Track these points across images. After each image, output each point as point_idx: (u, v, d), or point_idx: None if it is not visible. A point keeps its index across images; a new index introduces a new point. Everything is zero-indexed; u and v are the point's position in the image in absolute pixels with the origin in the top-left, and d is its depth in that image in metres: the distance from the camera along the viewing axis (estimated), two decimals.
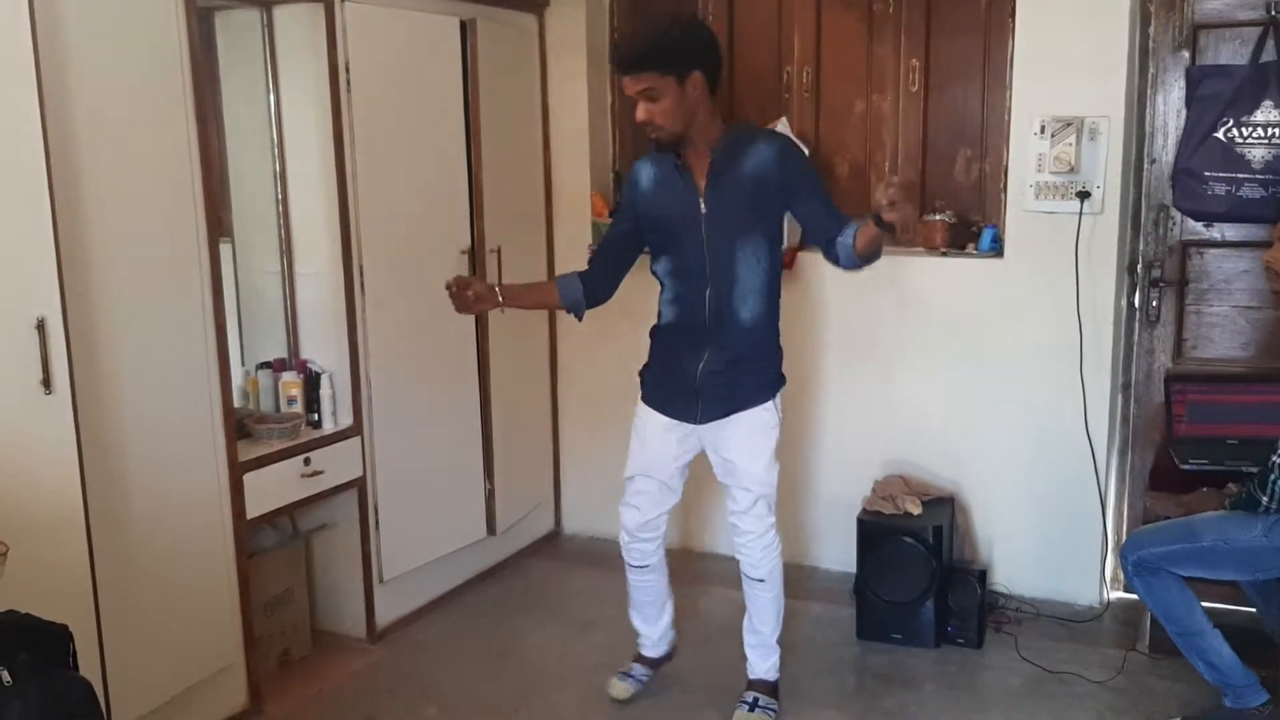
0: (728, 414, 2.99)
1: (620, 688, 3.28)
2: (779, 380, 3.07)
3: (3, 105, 2.31)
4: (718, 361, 2.96)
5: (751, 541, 3.07)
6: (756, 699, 3.15)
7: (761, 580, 3.11)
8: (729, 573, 3.97)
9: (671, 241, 2.98)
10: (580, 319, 3.14)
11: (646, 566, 3.23)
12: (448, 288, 2.96)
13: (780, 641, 3.20)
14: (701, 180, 2.91)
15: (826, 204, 2.92)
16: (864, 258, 2.81)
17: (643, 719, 3.22)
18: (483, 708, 3.27)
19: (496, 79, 3.86)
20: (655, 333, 3.11)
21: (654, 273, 3.07)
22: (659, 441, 3.08)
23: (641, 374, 3.15)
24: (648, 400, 3.11)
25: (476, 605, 3.98)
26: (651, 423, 3.09)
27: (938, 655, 3.55)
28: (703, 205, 2.91)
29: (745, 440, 3.00)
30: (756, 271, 2.92)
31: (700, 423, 3.02)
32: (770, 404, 3.02)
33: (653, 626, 3.34)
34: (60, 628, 2.05)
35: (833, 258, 2.89)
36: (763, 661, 3.20)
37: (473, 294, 2.97)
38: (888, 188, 2.60)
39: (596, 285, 3.10)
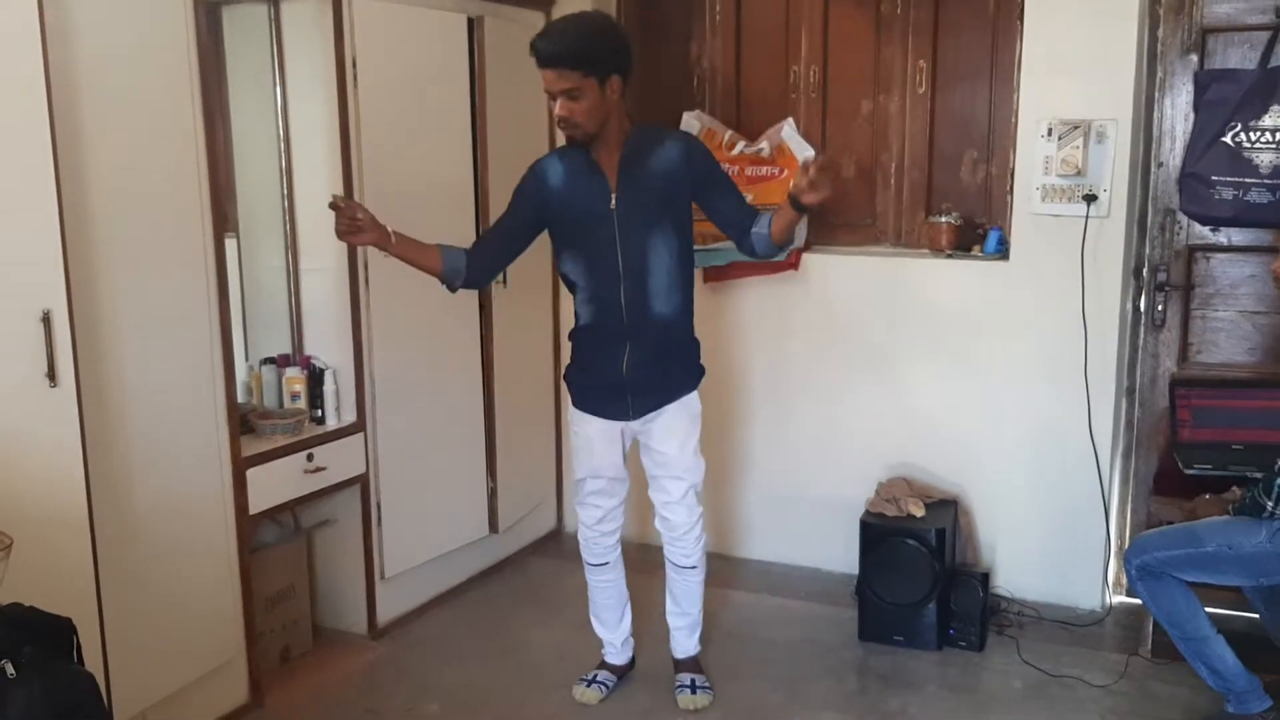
0: (659, 406, 3.07)
1: (589, 693, 3.30)
2: (700, 369, 3.17)
3: (10, 100, 2.31)
4: (641, 357, 3.01)
5: (684, 533, 3.17)
6: (694, 680, 3.29)
7: (693, 568, 3.23)
8: (729, 573, 3.96)
9: (582, 239, 3.00)
10: (453, 292, 3.10)
11: (606, 564, 3.29)
12: (333, 205, 2.81)
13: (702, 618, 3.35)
14: (612, 177, 2.95)
15: (736, 197, 3.03)
16: (780, 244, 2.94)
17: (641, 713, 3.21)
18: (484, 705, 3.27)
19: (503, 76, 3.85)
20: (574, 335, 3.13)
21: (563, 275, 3.10)
22: (602, 442, 3.13)
23: (567, 378, 3.21)
24: (580, 405, 3.14)
25: (478, 602, 3.98)
26: (591, 426, 3.12)
27: (939, 657, 3.55)
28: (614, 201, 2.94)
29: (675, 430, 3.09)
30: (669, 265, 2.98)
31: (633, 419, 3.08)
32: (695, 393, 3.13)
33: (614, 632, 3.38)
34: (64, 621, 2.05)
35: (747, 248, 3.00)
36: (689, 639, 3.34)
37: (362, 218, 2.83)
38: (809, 169, 2.70)
39: (478, 265, 3.06)
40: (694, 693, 3.25)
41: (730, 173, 4.01)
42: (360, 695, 3.33)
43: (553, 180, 3.02)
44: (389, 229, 2.92)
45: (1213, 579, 2.94)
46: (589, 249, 2.99)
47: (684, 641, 3.34)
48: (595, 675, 3.35)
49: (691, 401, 3.11)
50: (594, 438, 3.12)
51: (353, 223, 2.84)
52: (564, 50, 2.78)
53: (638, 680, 3.40)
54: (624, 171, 2.94)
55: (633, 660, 3.44)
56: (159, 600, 2.82)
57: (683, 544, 3.19)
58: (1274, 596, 3.08)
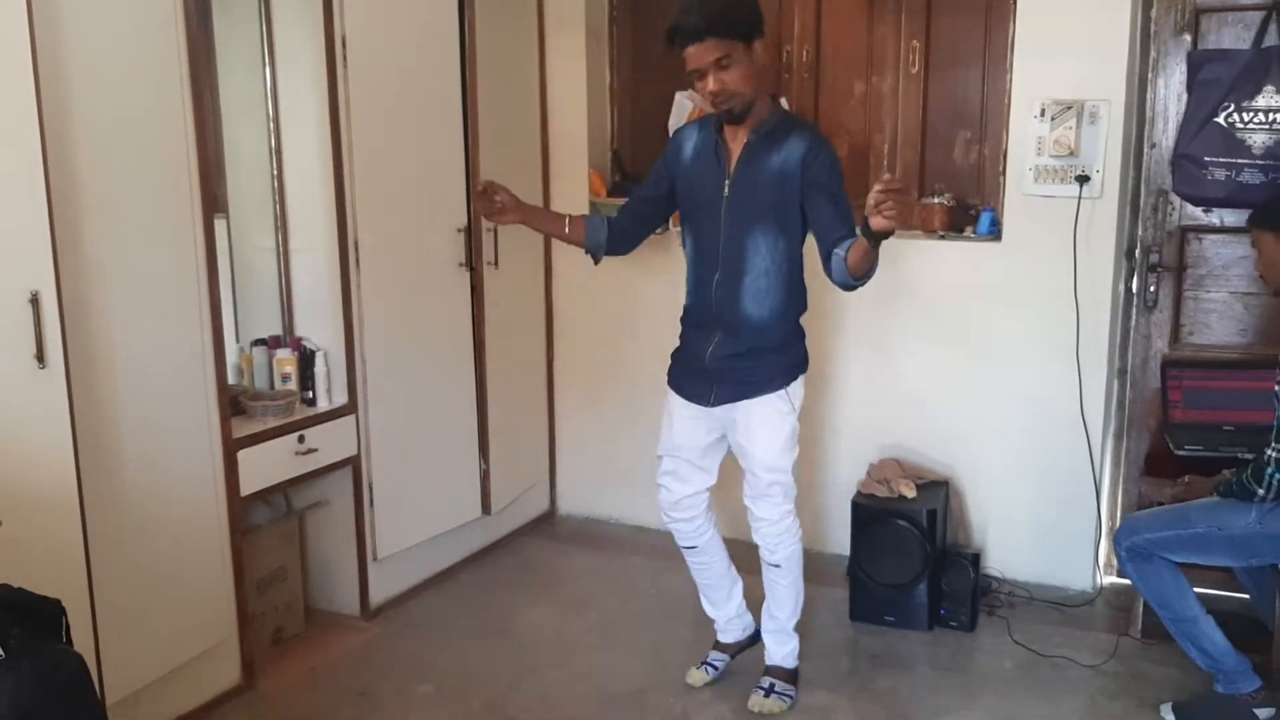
0: (738, 399, 2.97)
1: (696, 674, 3.27)
2: (796, 368, 3.03)
3: None
4: (726, 348, 2.94)
5: (766, 528, 3.08)
6: (773, 684, 3.16)
7: (778, 565, 3.11)
8: (731, 555, 3.96)
9: (695, 219, 2.96)
10: (597, 262, 3.13)
11: (695, 547, 3.21)
12: (480, 191, 2.92)
13: (798, 629, 3.21)
14: (733, 162, 2.86)
15: (840, 214, 2.80)
16: (856, 276, 2.68)
17: (633, 695, 3.23)
18: (477, 686, 3.27)
19: (494, 55, 3.83)
20: (683, 314, 3.10)
21: (683, 248, 3.05)
22: (683, 422, 3.07)
23: (672, 355, 3.14)
24: (669, 382, 3.11)
25: (471, 584, 3.98)
26: (676, 404, 3.09)
27: (931, 638, 3.56)
28: (727, 188, 2.86)
29: (757, 427, 2.97)
30: (768, 265, 2.87)
31: (712, 406, 3.00)
32: (783, 392, 2.98)
33: (720, 610, 3.32)
34: (53, 602, 2.04)
35: (828, 271, 2.79)
36: (780, 648, 3.21)
37: (503, 199, 2.91)
38: (878, 189, 2.44)
39: (620, 236, 3.09)
40: (767, 696, 3.13)
41: None
42: (353, 677, 3.33)
43: (686, 152, 2.98)
44: (520, 201, 2.94)
45: (1202, 560, 2.95)
46: (698, 231, 2.94)
47: (774, 649, 3.21)
48: (707, 656, 3.32)
49: (777, 400, 2.97)
50: (675, 415, 3.08)
51: (491, 204, 2.88)
52: (706, 20, 2.66)
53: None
54: (744, 159, 2.84)
55: (753, 636, 3.34)
56: (150, 582, 2.82)
57: (765, 538, 3.10)
58: (1263, 577, 3.09)
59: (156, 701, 2.91)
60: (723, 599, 3.31)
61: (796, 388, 3.02)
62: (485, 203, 2.94)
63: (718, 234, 2.89)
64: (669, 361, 3.13)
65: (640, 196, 3.11)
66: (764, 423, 2.97)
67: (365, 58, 3.37)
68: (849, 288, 2.78)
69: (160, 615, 2.86)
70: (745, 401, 2.96)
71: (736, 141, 2.86)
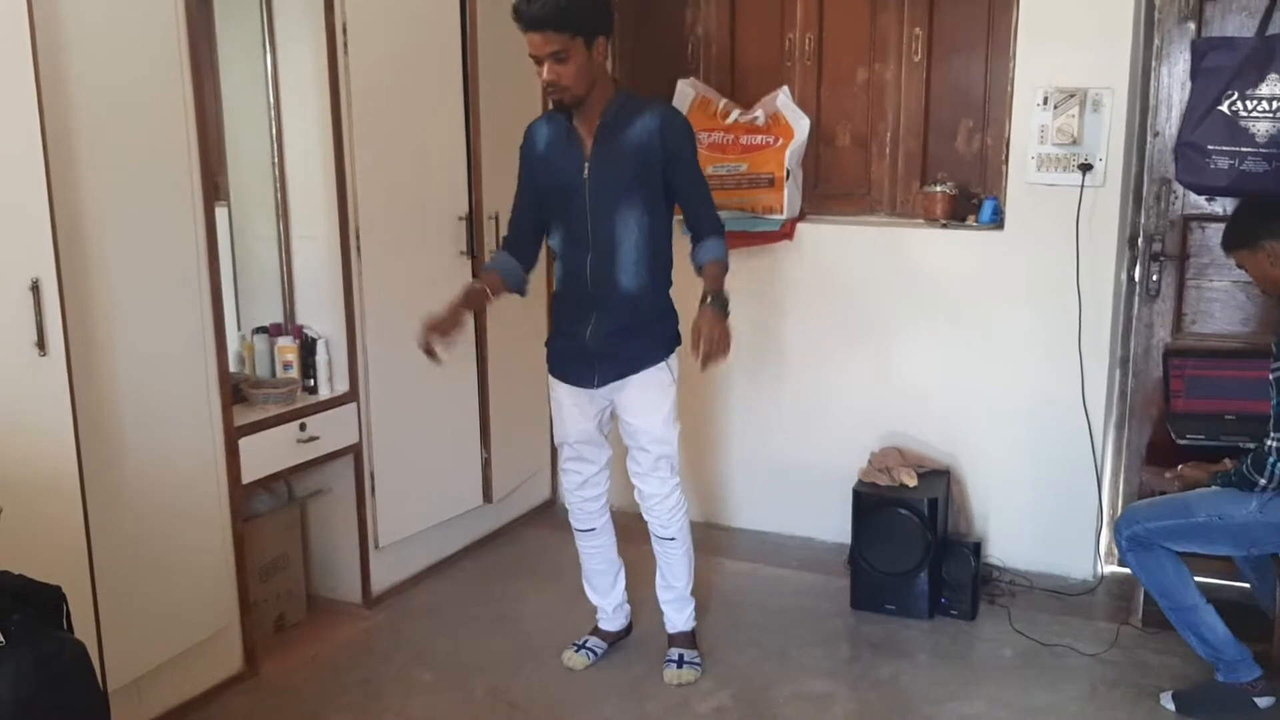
0: (621, 376, 3.05)
1: (576, 658, 3.32)
2: (673, 340, 3.12)
3: None
4: (605, 328, 3.02)
5: (657, 504, 3.16)
6: (681, 655, 3.27)
7: (672, 539, 3.21)
8: (722, 542, 3.98)
9: (559, 207, 3.01)
10: (524, 295, 3.22)
11: (592, 530, 3.30)
12: (428, 351, 2.98)
13: (693, 592, 3.32)
14: (588, 145, 2.94)
15: (699, 196, 3.01)
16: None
17: (632, 682, 3.23)
18: (478, 673, 3.28)
19: (496, 42, 3.82)
20: (553, 302, 3.22)
21: (549, 244, 3.13)
22: (571, 409, 3.15)
23: (547, 344, 3.22)
24: (552, 370, 3.18)
25: (472, 572, 3.99)
26: (561, 391, 3.16)
27: (931, 626, 3.56)
28: (587, 169, 2.94)
29: (640, 401, 3.07)
30: (637, 239, 2.95)
31: (597, 387, 3.08)
32: (664, 364, 3.08)
33: (605, 597, 3.39)
34: (53, 589, 2.05)
35: (691, 255, 3.04)
36: (679, 614, 3.31)
37: (445, 340, 3.00)
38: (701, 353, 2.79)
39: (524, 253, 3.16)
40: (679, 667, 3.24)
41: (725, 141, 4.02)
42: (354, 664, 3.34)
43: (539, 145, 3.05)
44: (453, 310, 3.03)
45: (1203, 549, 2.95)
46: (564, 217, 3.00)
47: (673, 616, 3.32)
48: (585, 641, 3.37)
49: (659, 373, 3.07)
50: (564, 404, 3.16)
51: (445, 342, 3.01)
52: (550, 11, 2.73)
53: (632, 648, 3.41)
54: (599, 140, 2.92)
55: (628, 627, 3.45)
56: (152, 569, 2.83)
57: (657, 514, 3.18)
58: (1264, 566, 3.10)
59: (158, 688, 2.92)
60: (608, 586, 3.39)
61: (674, 360, 3.11)
62: (440, 345, 2.99)
63: (585, 216, 2.96)
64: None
65: (523, 212, 3.15)
66: (648, 396, 3.07)
67: (366, 44, 3.36)
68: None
69: (162, 602, 2.86)
70: (629, 378, 3.05)
71: (587, 126, 2.94)
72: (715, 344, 2.80)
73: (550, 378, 3.18)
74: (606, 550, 3.35)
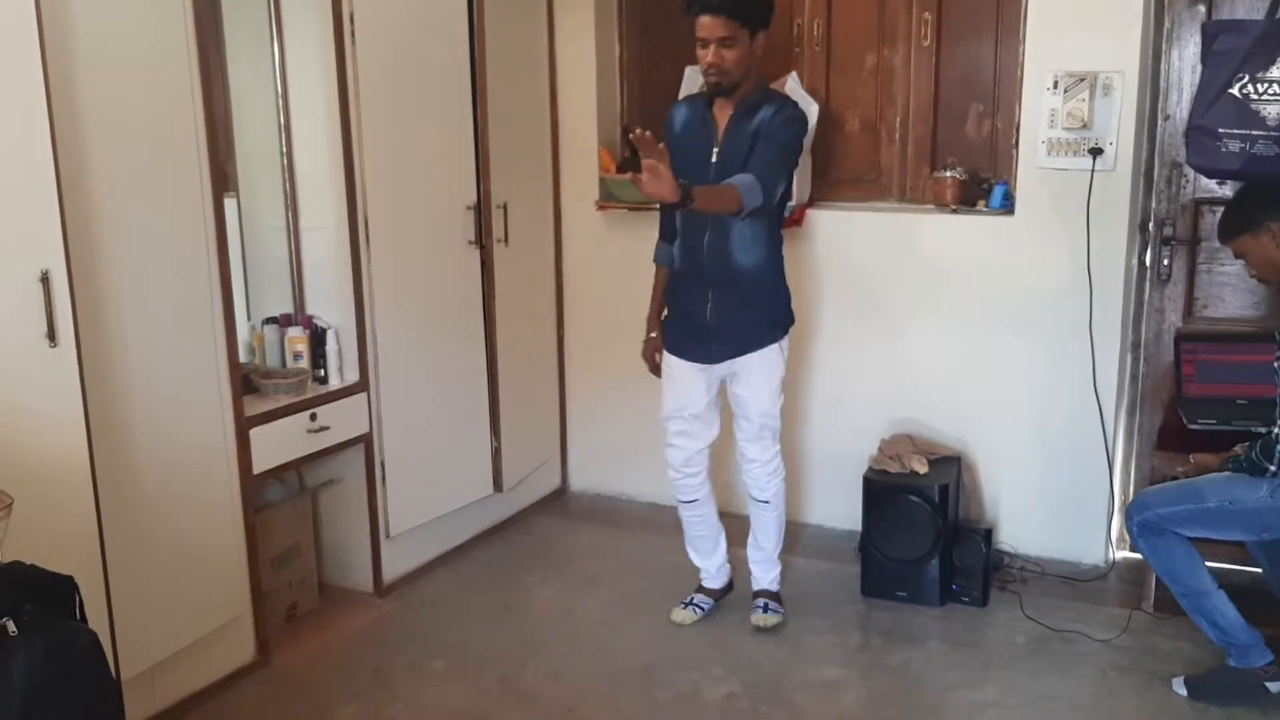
0: (739, 354, 3.22)
1: (684, 614, 3.48)
2: (786, 320, 3.30)
3: (5, 58, 2.29)
4: (724, 306, 3.18)
5: (757, 468, 3.36)
6: (766, 604, 3.47)
7: (766, 502, 3.40)
8: (733, 530, 3.98)
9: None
10: None
11: (695, 501, 3.45)
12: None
13: (780, 555, 3.50)
14: (720, 130, 3.11)
15: (763, 151, 3.01)
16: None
17: (643, 671, 3.24)
18: (489, 662, 3.29)
19: (503, 31, 3.81)
20: (670, 282, 3.33)
21: (664, 217, 3.30)
22: (685, 383, 3.31)
23: (664, 322, 3.38)
24: (669, 347, 3.34)
25: (483, 561, 4.00)
26: (677, 366, 3.31)
27: (942, 613, 3.56)
28: (715, 154, 3.10)
29: (756, 378, 3.25)
30: (752, 220, 3.04)
31: (715, 362, 3.25)
32: (776, 345, 3.25)
33: (709, 559, 3.55)
34: (65, 579, 2.05)
35: None
36: (766, 574, 3.50)
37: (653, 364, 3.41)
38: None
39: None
40: (765, 612, 3.44)
41: None
42: (366, 653, 3.35)
43: (676, 127, 3.22)
44: (652, 337, 3.39)
45: (1215, 534, 2.95)
46: None
47: (760, 575, 3.50)
48: (692, 598, 3.53)
49: (773, 354, 3.24)
50: (678, 376, 3.31)
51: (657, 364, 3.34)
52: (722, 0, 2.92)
53: (639, 640, 3.41)
54: (730, 128, 3.08)
55: (730, 584, 3.60)
56: (164, 559, 2.84)
57: (755, 477, 3.37)
58: (1276, 551, 3.08)
59: (171, 678, 2.94)
60: (710, 549, 3.54)
61: (786, 341, 3.29)
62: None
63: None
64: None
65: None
66: (762, 374, 3.25)
67: (374, 34, 3.36)
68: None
69: (174, 592, 2.88)
70: (745, 355, 3.22)
71: (723, 114, 3.11)
72: (658, 180, 2.68)
73: (666, 354, 3.34)
74: (709, 518, 3.50)
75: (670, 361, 3.34)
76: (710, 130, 3.12)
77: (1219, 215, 3.11)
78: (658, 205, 3.27)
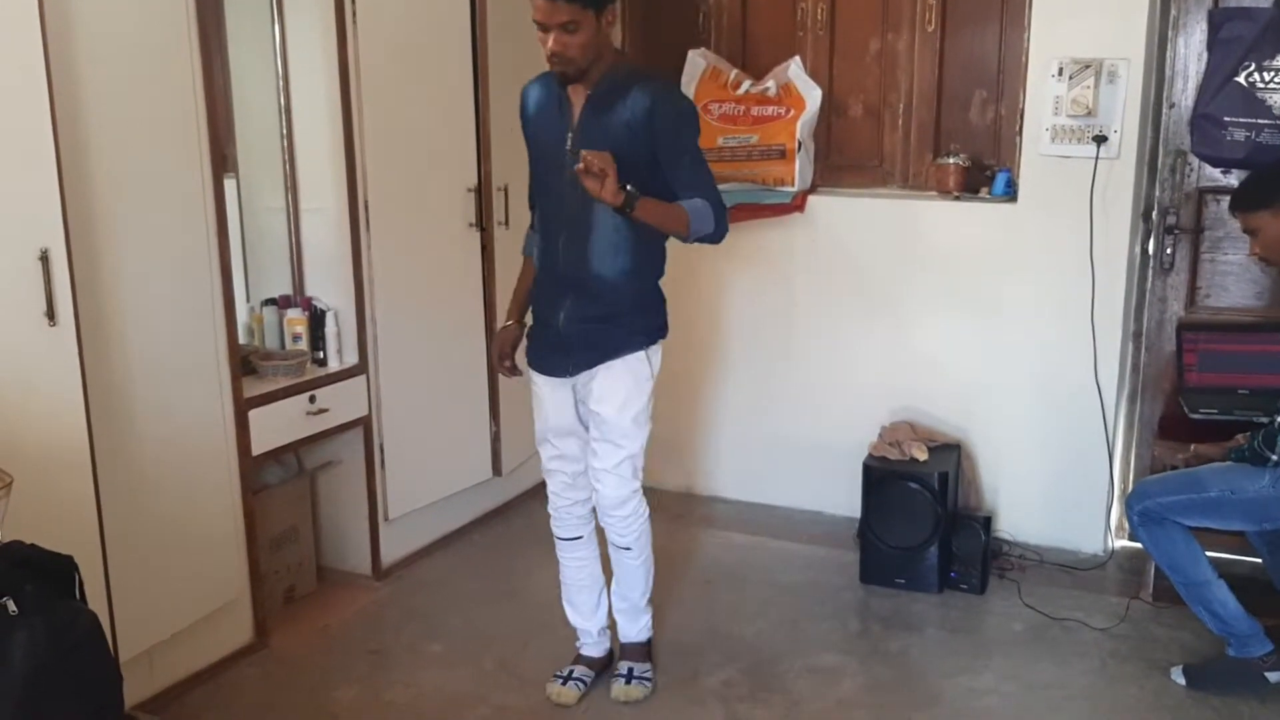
0: (596, 364, 2.81)
1: (565, 693, 3.01)
2: (656, 331, 2.87)
3: (5, 38, 2.27)
4: (580, 313, 2.79)
5: (614, 508, 2.88)
6: (631, 669, 3.06)
7: (628, 548, 2.95)
8: (732, 516, 3.98)
9: (541, 176, 2.84)
10: None
11: (579, 538, 3.03)
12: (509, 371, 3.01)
13: (650, 602, 3.08)
14: (576, 114, 2.72)
15: (685, 168, 2.68)
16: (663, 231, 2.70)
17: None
18: (487, 645, 3.29)
19: (504, 13, 3.79)
20: (534, 284, 2.95)
21: (530, 210, 2.96)
22: (552, 402, 2.92)
23: (528, 332, 2.99)
24: (530, 362, 2.95)
25: (482, 544, 4.00)
26: (541, 383, 2.94)
27: (941, 600, 3.56)
28: (569, 141, 2.71)
29: (612, 389, 2.81)
30: (616, 223, 2.67)
31: (572, 375, 2.85)
32: (642, 354, 2.82)
33: (589, 619, 3.11)
34: (65, 559, 2.05)
35: None
36: (632, 625, 3.08)
37: (507, 358, 3.02)
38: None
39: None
40: (628, 683, 3.02)
41: (736, 112, 3.98)
42: (364, 635, 3.35)
43: (530, 107, 2.86)
44: (509, 326, 3.01)
45: (1215, 524, 2.94)
46: (544, 189, 2.83)
47: (625, 627, 3.08)
48: (571, 671, 3.07)
49: (636, 363, 2.81)
50: (543, 395, 2.93)
51: (507, 366, 3.00)
52: None
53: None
54: (588, 111, 2.70)
55: (611, 653, 3.15)
56: (163, 540, 2.83)
57: (613, 519, 2.90)
58: (1277, 541, 3.08)
59: (169, 659, 2.94)
60: (592, 607, 3.10)
61: (656, 352, 2.87)
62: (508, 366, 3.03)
63: (563, 191, 2.72)
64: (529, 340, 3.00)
65: (532, 176, 2.94)
66: (621, 386, 2.80)
67: (375, 15, 3.34)
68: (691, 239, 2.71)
69: (173, 573, 2.87)
70: (603, 365, 2.80)
71: (578, 96, 2.72)
72: (602, 170, 2.44)
73: (530, 371, 2.96)
74: (591, 564, 3.06)
75: (535, 380, 2.94)
76: (565, 113, 2.72)
77: (1239, 184, 3.06)
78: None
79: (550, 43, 2.60)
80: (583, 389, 2.86)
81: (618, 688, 3.02)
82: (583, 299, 2.78)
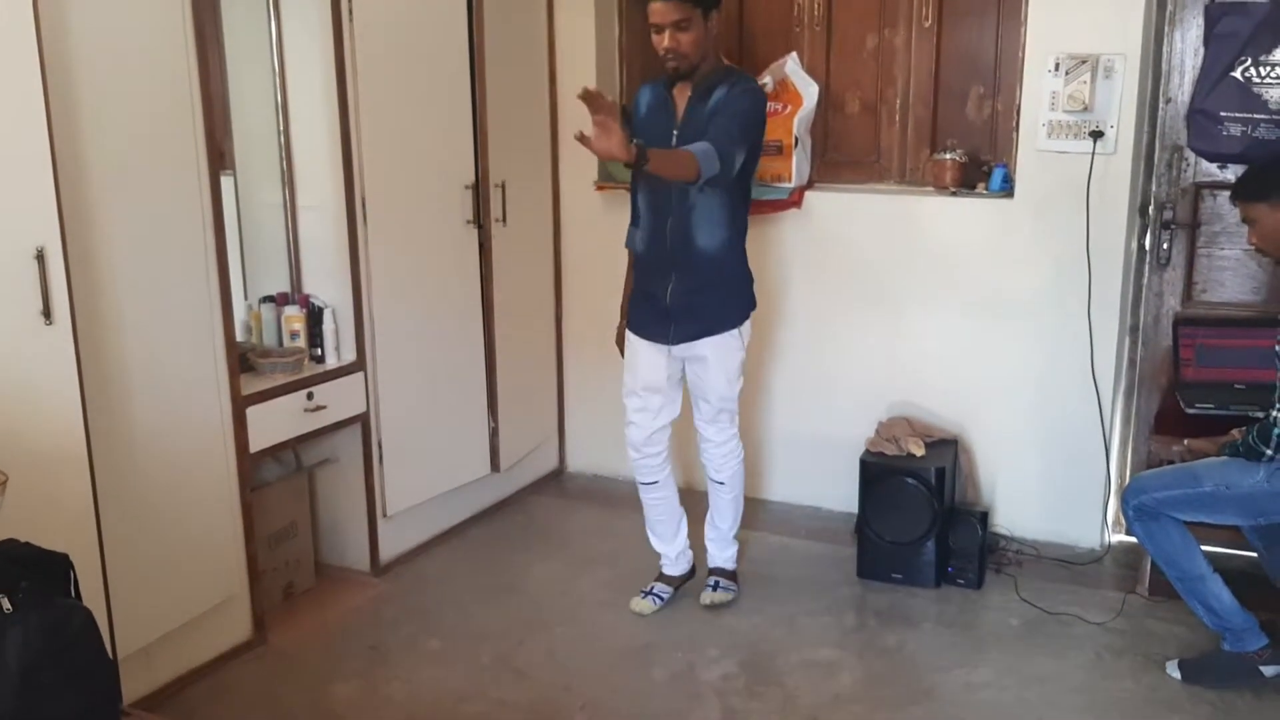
0: (697, 337, 3.22)
1: (643, 604, 3.45)
2: (747, 305, 3.30)
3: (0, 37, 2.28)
4: (684, 287, 3.18)
5: (714, 449, 3.40)
6: (718, 582, 3.51)
7: (722, 482, 3.45)
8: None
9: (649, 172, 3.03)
10: None
11: (656, 483, 3.45)
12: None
13: (736, 538, 3.55)
14: (680, 112, 3.12)
15: (718, 123, 2.98)
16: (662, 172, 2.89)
17: (640, 649, 3.24)
18: (486, 641, 3.30)
19: (502, 9, 3.80)
20: (635, 263, 3.35)
21: (633, 201, 3.27)
22: (645, 360, 3.31)
23: (629, 302, 3.39)
24: (631, 325, 3.36)
25: (480, 541, 4.00)
26: (639, 344, 3.32)
27: (938, 595, 3.57)
28: (675, 137, 3.09)
29: (713, 362, 3.25)
30: (713, 201, 3.08)
31: (672, 343, 3.25)
32: (736, 331, 3.25)
33: (669, 544, 3.53)
34: (60, 556, 2.06)
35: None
36: (721, 552, 3.54)
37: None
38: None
39: None
40: (715, 590, 3.47)
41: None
42: (363, 632, 3.36)
43: (641, 110, 3.24)
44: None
45: (1211, 519, 2.95)
46: (652, 180, 3.06)
47: (715, 552, 3.54)
48: (652, 587, 3.51)
49: (730, 339, 3.24)
50: (638, 353, 3.32)
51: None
52: None
53: (643, 620, 3.42)
54: (689, 109, 3.08)
55: (691, 570, 3.59)
56: (160, 537, 2.84)
57: (712, 457, 3.41)
58: (1272, 535, 3.08)
59: (168, 656, 2.94)
60: (671, 534, 3.54)
61: (747, 327, 3.30)
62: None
63: (669, 183, 3.02)
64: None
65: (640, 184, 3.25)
66: (719, 359, 3.25)
67: (371, 12, 3.34)
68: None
69: (171, 570, 2.88)
70: (703, 339, 3.22)
71: (683, 96, 3.12)
72: (607, 136, 2.66)
73: (629, 332, 3.35)
74: (670, 501, 3.50)
75: (631, 339, 3.35)
76: (670, 112, 3.13)
77: (1242, 173, 3.06)
78: (626, 184, 3.25)
79: (665, 40, 2.99)
80: (683, 354, 3.28)
81: (707, 594, 3.48)
82: (687, 273, 3.17)
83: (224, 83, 3.31)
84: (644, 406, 3.36)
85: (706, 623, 3.38)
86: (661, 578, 3.55)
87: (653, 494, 3.48)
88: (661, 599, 3.48)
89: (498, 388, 4.02)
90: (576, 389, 4.56)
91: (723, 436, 3.38)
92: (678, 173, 2.89)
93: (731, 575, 3.55)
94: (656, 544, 3.56)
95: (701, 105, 3.06)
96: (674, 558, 3.55)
